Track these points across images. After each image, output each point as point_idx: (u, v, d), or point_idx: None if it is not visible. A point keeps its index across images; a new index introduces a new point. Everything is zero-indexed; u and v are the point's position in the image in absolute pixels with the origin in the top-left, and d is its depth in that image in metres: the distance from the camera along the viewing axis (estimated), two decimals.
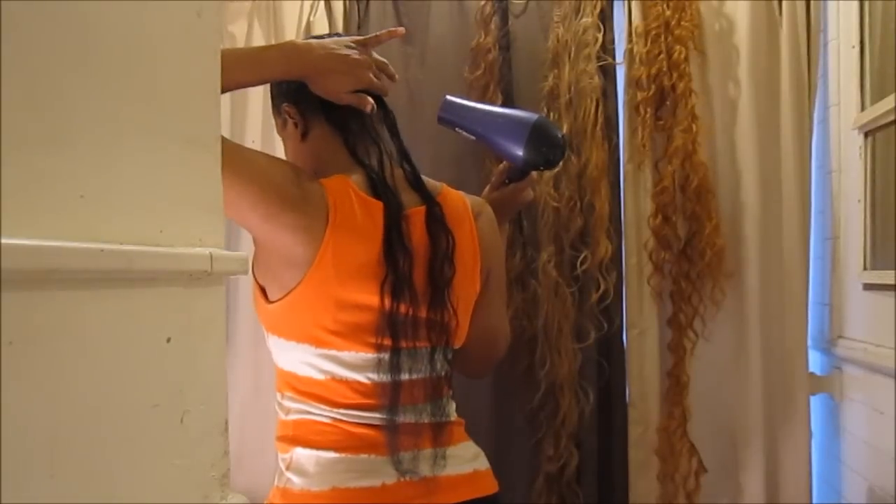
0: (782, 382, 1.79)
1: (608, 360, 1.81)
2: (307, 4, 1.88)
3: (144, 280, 0.54)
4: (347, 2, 1.89)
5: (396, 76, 1.08)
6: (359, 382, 0.97)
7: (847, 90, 1.77)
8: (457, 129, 1.21)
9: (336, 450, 0.95)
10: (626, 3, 1.84)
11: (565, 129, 1.77)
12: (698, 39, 1.80)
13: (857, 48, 1.72)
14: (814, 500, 1.81)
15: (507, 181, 1.24)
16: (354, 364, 0.96)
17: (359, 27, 1.88)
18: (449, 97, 1.21)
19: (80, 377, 0.48)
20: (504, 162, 1.25)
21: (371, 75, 1.02)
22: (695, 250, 1.78)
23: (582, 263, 1.77)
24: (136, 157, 0.54)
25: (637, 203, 1.82)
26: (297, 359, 0.97)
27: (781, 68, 1.78)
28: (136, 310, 0.53)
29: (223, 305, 0.64)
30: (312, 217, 0.93)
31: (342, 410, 0.96)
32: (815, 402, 1.84)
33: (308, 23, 1.87)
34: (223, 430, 0.61)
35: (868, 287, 1.67)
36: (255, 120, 1.87)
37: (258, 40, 1.88)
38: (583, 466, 1.79)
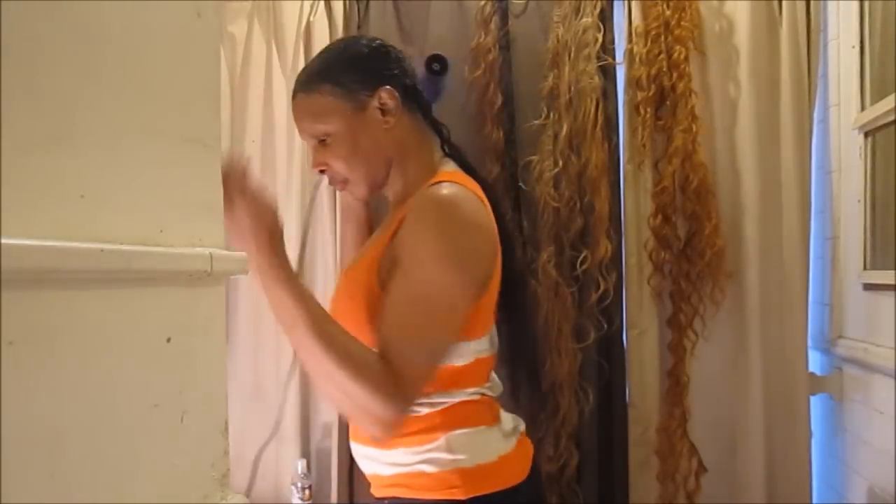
0: (782, 382, 1.79)
1: (608, 360, 1.81)
2: (307, 4, 1.87)
3: (144, 280, 0.54)
4: (347, 2, 1.89)
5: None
6: (490, 357, 1.09)
7: (847, 90, 1.77)
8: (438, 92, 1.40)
9: (487, 424, 1.05)
10: (626, 3, 1.84)
11: (565, 129, 1.77)
12: (698, 39, 1.80)
13: (857, 48, 1.72)
14: (814, 500, 1.81)
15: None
16: (489, 341, 1.08)
17: (359, 27, 1.88)
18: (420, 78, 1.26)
19: (80, 377, 0.48)
20: None
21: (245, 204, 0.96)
22: (695, 250, 1.78)
23: (582, 263, 1.77)
24: (136, 157, 0.54)
25: (637, 203, 1.82)
26: (469, 350, 1.04)
27: (781, 68, 1.78)
28: (136, 310, 0.53)
29: (223, 305, 0.64)
30: (494, 238, 1.05)
31: (479, 388, 1.07)
32: (815, 402, 1.84)
33: (308, 23, 1.87)
34: (223, 430, 0.62)
35: (868, 287, 1.66)
36: (255, 120, 1.87)
37: (258, 40, 1.88)
38: (583, 466, 1.79)
